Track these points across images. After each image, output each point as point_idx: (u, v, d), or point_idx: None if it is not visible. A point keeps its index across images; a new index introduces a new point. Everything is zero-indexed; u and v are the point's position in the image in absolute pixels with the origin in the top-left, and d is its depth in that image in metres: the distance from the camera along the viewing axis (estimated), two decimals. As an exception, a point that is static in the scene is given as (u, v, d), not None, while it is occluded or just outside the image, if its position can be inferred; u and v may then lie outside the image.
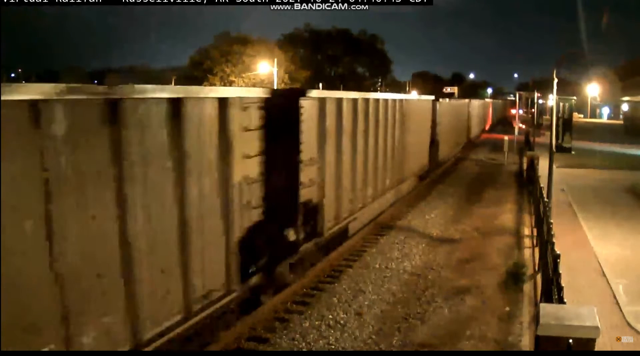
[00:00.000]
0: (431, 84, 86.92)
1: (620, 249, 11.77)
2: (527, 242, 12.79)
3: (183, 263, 6.14)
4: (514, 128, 36.88)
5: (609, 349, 6.93)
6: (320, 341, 7.64)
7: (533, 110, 38.46)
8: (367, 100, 12.37)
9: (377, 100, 13.19)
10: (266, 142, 7.74)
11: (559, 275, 6.71)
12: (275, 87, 44.66)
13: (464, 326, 8.15)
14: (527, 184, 19.66)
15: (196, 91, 6.45)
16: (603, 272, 10.29)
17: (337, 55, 69.70)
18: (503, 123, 65.40)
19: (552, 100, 15.23)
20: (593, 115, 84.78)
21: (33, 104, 4.34)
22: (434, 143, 20.91)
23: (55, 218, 4.57)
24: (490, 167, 27.09)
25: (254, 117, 7.49)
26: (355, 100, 11.58)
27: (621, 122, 64.81)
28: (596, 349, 5.01)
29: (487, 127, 54.14)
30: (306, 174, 9.27)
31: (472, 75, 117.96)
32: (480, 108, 45.45)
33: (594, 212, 15.24)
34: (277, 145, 8.01)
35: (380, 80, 76.73)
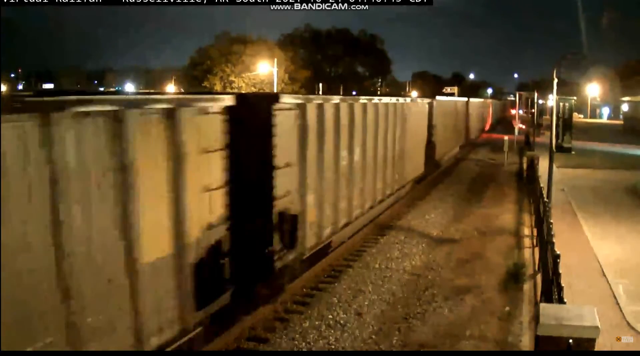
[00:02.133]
0: (431, 84, 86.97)
1: (620, 249, 11.77)
2: (527, 242, 12.79)
3: None
4: (514, 128, 36.84)
5: (609, 349, 6.92)
6: (320, 341, 7.64)
7: (533, 110, 38.46)
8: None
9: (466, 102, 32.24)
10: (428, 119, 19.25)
11: (558, 275, 6.71)
12: (275, 87, 44.71)
13: (464, 326, 8.15)
14: (527, 184, 19.66)
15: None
16: (603, 272, 10.28)
17: (337, 55, 69.72)
18: (503, 123, 65.35)
19: (552, 100, 15.24)
20: (593, 115, 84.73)
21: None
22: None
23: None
24: (490, 167, 27.08)
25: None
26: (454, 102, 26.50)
27: (621, 122, 64.80)
28: (596, 349, 5.01)
29: (487, 128, 54.12)
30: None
31: (472, 75, 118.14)
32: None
33: (594, 212, 15.24)
34: None
35: (380, 80, 76.77)
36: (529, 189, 18.36)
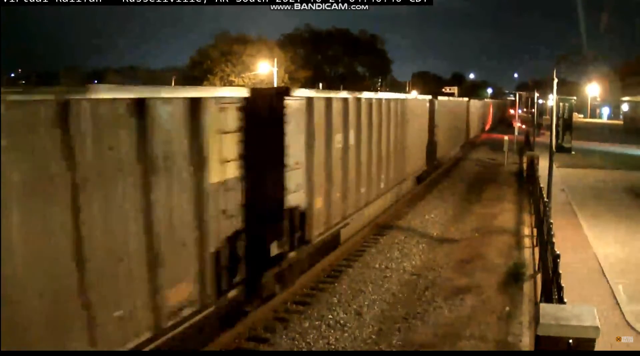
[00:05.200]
0: (431, 84, 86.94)
1: (620, 249, 11.77)
2: (527, 241, 12.78)
3: None
4: (513, 128, 36.87)
5: (609, 349, 6.92)
6: (320, 341, 7.64)
7: (533, 110, 38.48)
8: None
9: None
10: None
11: (558, 274, 6.70)
12: (274, 87, 44.72)
13: (464, 326, 8.14)
14: (527, 184, 19.66)
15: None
16: (603, 272, 10.28)
17: (337, 55, 69.65)
18: (503, 123, 65.33)
19: (552, 100, 15.22)
20: (593, 115, 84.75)
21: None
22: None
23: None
24: (490, 167, 27.08)
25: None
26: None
27: (621, 122, 64.82)
28: (596, 349, 5.01)
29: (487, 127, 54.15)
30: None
31: (472, 75, 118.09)
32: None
33: (593, 212, 15.24)
34: None
35: (380, 80, 76.71)
36: (528, 189, 18.37)
